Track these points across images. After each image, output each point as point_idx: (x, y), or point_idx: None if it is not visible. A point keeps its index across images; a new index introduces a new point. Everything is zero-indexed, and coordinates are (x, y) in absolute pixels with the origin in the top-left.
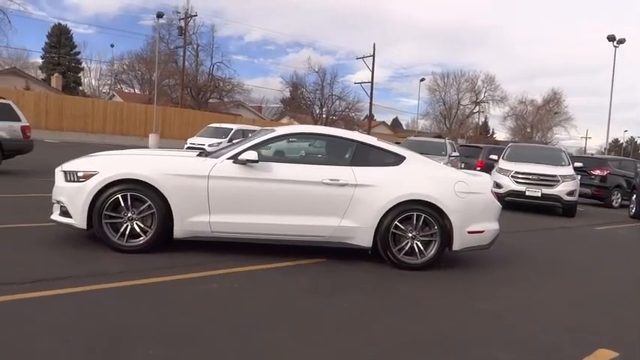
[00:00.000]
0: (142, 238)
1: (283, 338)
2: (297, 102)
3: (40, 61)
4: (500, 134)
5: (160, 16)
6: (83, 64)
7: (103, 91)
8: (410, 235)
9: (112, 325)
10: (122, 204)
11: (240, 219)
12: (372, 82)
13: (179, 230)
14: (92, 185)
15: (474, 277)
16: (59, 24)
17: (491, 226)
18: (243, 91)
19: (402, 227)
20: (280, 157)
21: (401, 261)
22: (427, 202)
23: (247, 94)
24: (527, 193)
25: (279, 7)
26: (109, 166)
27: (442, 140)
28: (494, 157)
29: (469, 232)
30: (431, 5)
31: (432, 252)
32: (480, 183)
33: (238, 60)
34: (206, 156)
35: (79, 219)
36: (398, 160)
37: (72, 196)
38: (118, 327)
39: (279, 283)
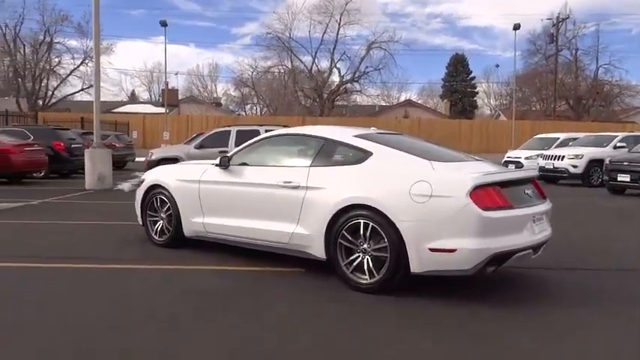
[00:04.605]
0: (165, 236)
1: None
2: None
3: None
4: None
5: (516, 28)
6: (477, 88)
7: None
8: (362, 247)
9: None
10: (155, 205)
11: (224, 221)
12: None
13: (186, 230)
14: (141, 189)
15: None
16: (456, 54)
17: (467, 244)
18: (636, 94)
19: (350, 238)
20: (258, 161)
21: (349, 278)
22: (370, 206)
23: None
24: None
25: None
26: (150, 174)
27: None
28: None
29: (431, 250)
30: None
31: (383, 272)
32: (450, 183)
33: None
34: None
35: (138, 216)
36: (362, 157)
37: (136, 199)
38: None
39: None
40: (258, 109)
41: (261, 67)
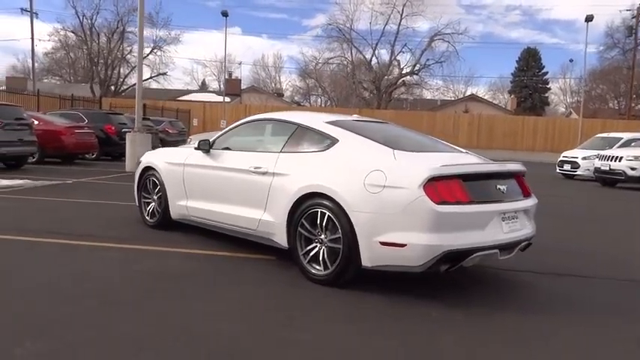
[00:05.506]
0: (155, 217)
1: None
2: None
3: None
4: None
5: (588, 20)
6: (552, 84)
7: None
8: (319, 237)
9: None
10: (148, 187)
11: (203, 205)
12: None
13: (173, 212)
14: (137, 171)
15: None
16: (528, 48)
17: (417, 239)
18: None
19: (309, 227)
20: (236, 146)
21: (305, 268)
22: (325, 194)
23: None
24: None
25: None
26: (145, 156)
27: None
28: None
29: (382, 244)
30: None
31: (335, 264)
32: (404, 173)
33: None
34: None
35: (135, 197)
36: (329, 144)
37: (134, 181)
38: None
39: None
40: (322, 101)
41: (323, 58)
